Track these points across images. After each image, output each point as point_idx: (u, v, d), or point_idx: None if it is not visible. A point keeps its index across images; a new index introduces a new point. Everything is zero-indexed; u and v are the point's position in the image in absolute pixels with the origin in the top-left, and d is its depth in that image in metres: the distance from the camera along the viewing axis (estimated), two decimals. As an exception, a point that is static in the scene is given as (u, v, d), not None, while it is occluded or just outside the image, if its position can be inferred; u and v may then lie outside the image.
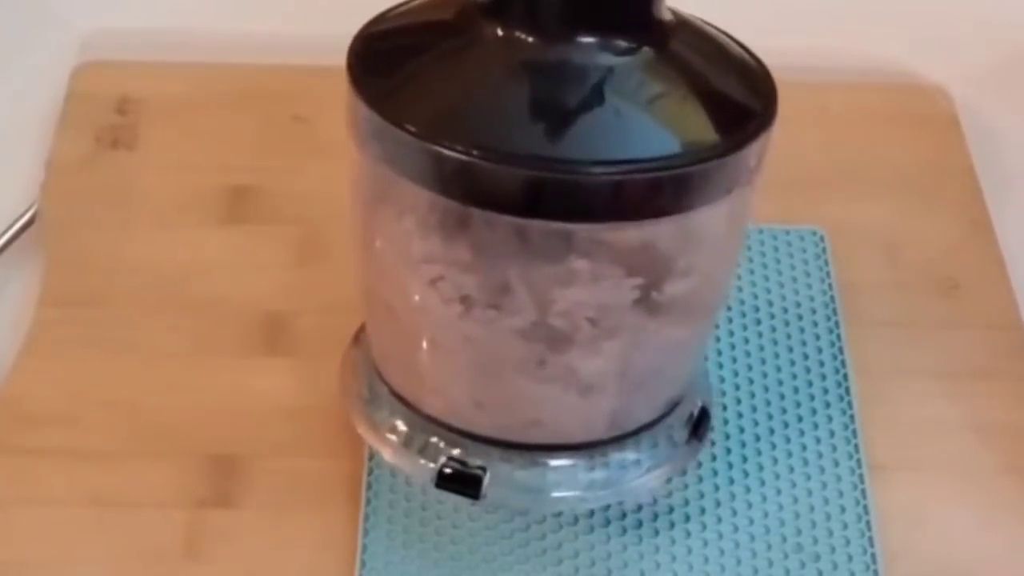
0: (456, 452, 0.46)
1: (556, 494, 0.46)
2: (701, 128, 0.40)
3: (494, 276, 0.40)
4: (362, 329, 0.50)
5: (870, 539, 0.48)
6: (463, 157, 0.38)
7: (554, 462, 0.46)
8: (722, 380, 0.53)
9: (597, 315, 0.41)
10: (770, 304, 0.55)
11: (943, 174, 0.61)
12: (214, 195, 0.58)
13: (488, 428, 0.45)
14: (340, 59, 0.62)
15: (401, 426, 0.47)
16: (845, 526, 0.49)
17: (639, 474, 0.47)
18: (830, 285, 0.56)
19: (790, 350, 0.54)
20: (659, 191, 0.38)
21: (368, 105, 0.40)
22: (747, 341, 0.54)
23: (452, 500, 0.48)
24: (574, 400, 0.44)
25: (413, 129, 0.38)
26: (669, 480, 0.48)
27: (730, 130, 0.39)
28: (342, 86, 0.62)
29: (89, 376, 0.52)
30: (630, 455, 0.47)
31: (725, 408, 0.52)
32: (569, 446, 0.46)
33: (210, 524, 0.48)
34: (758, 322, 0.55)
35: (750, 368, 0.53)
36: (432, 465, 0.46)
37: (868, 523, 0.49)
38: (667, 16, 0.41)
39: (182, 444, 0.50)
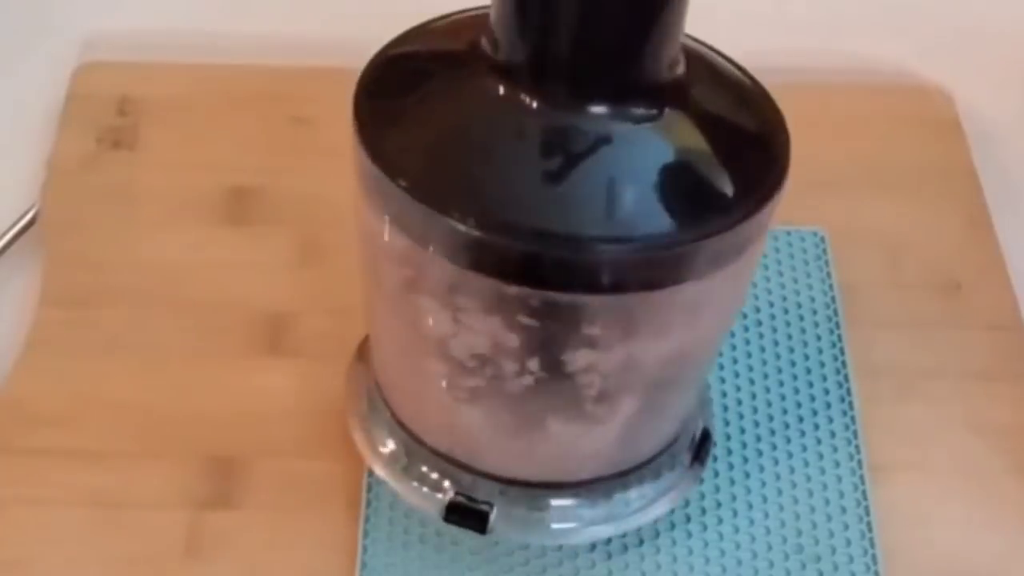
0: (456, 486, 0.46)
1: (557, 525, 0.46)
2: (714, 198, 0.38)
3: (512, 337, 0.39)
4: (365, 342, 0.50)
5: (871, 540, 0.48)
6: (466, 229, 0.37)
7: (556, 501, 0.46)
8: (723, 381, 0.53)
9: (620, 369, 0.41)
10: (771, 304, 0.55)
11: (944, 175, 0.61)
12: (215, 196, 0.58)
13: (495, 467, 0.45)
14: (340, 60, 0.62)
15: (401, 452, 0.47)
16: (846, 527, 0.49)
17: (643, 505, 0.47)
18: (831, 286, 0.56)
19: (791, 350, 0.54)
20: (669, 264, 0.38)
21: (382, 170, 0.38)
22: (748, 342, 0.54)
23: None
24: (586, 441, 0.44)
25: (412, 190, 0.37)
26: (672, 511, 0.48)
27: (744, 195, 0.38)
28: (342, 87, 0.62)
29: (90, 377, 0.52)
30: (634, 491, 0.47)
31: (726, 409, 0.52)
32: (574, 483, 0.46)
33: (211, 525, 0.48)
34: (759, 323, 0.55)
35: (751, 368, 0.53)
36: (439, 496, 0.46)
37: (869, 524, 0.49)
38: (679, 70, 0.39)
39: (183, 445, 0.50)
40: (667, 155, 0.39)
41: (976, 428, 0.52)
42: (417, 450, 0.46)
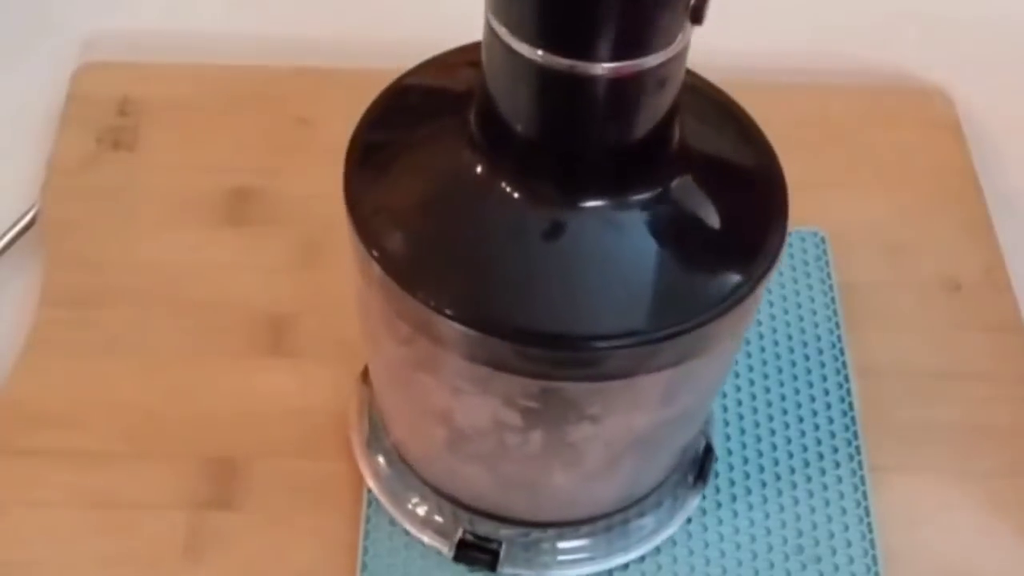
0: (459, 522, 0.46)
1: (564, 557, 0.47)
2: (710, 282, 0.38)
3: (513, 415, 0.39)
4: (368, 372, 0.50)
5: (871, 540, 0.48)
6: (464, 329, 0.36)
7: (562, 543, 0.46)
8: (723, 382, 0.53)
9: (622, 434, 0.41)
10: (771, 305, 0.55)
11: (944, 176, 0.61)
12: (215, 196, 0.58)
13: (496, 509, 0.46)
14: (340, 60, 0.63)
15: (399, 482, 0.47)
16: (846, 527, 0.49)
17: (647, 534, 0.47)
18: (831, 286, 0.56)
19: (791, 351, 0.54)
20: (667, 351, 0.37)
21: (381, 265, 0.37)
22: (748, 342, 0.54)
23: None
24: (590, 489, 0.44)
25: (408, 286, 0.37)
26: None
27: (740, 272, 0.38)
28: (343, 87, 0.62)
29: (90, 377, 0.52)
30: (636, 522, 0.47)
31: (726, 410, 0.52)
32: (578, 521, 0.46)
33: (211, 526, 0.48)
34: (759, 323, 0.55)
35: (751, 369, 0.53)
36: (435, 519, 0.47)
37: (869, 524, 0.49)
38: (670, 146, 0.38)
39: (183, 445, 0.50)
40: (659, 244, 0.37)
41: (976, 429, 0.52)
42: (419, 486, 0.47)
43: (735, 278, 0.37)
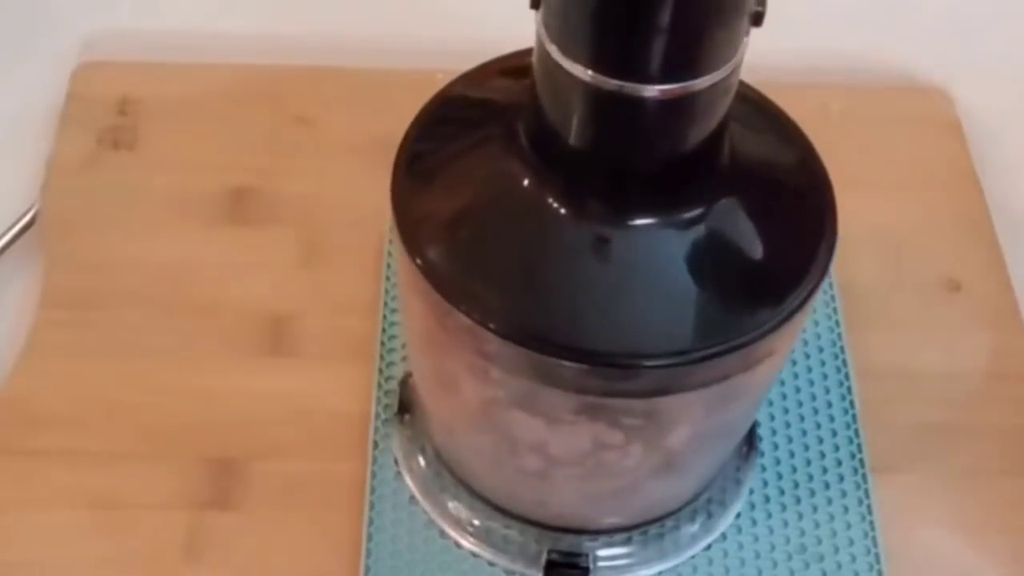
0: (546, 543, 0.46)
1: (616, 563, 0.47)
2: (780, 279, 0.38)
3: (616, 435, 0.39)
4: (405, 406, 0.50)
5: (873, 539, 0.48)
6: (572, 365, 0.36)
7: (604, 551, 0.46)
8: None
9: (712, 431, 0.41)
10: (772, 305, 0.55)
11: (944, 175, 0.61)
12: (215, 196, 0.58)
13: (580, 524, 0.46)
14: (342, 60, 0.63)
15: (473, 517, 0.47)
16: (848, 526, 0.49)
17: (697, 531, 0.48)
18: (831, 284, 0.56)
19: (791, 350, 0.54)
20: (758, 351, 0.37)
21: (428, 279, 0.37)
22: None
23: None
24: (671, 488, 0.45)
25: (497, 330, 0.36)
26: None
27: (794, 283, 0.38)
28: (343, 87, 0.62)
29: (90, 378, 0.52)
30: (686, 528, 0.48)
31: (727, 409, 0.52)
32: (644, 523, 0.47)
33: (211, 527, 0.48)
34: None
35: (752, 369, 0.53)
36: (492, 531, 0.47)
37: (871, 523, 0.49)
38: (721, 160, 0.37)
39: (183, 446, 0.50)
40: (707, 262, 0.37)
41: (976, 428, 0.52)
42: (494, 514, 0.47)
43: (782, 296, 0.37)
